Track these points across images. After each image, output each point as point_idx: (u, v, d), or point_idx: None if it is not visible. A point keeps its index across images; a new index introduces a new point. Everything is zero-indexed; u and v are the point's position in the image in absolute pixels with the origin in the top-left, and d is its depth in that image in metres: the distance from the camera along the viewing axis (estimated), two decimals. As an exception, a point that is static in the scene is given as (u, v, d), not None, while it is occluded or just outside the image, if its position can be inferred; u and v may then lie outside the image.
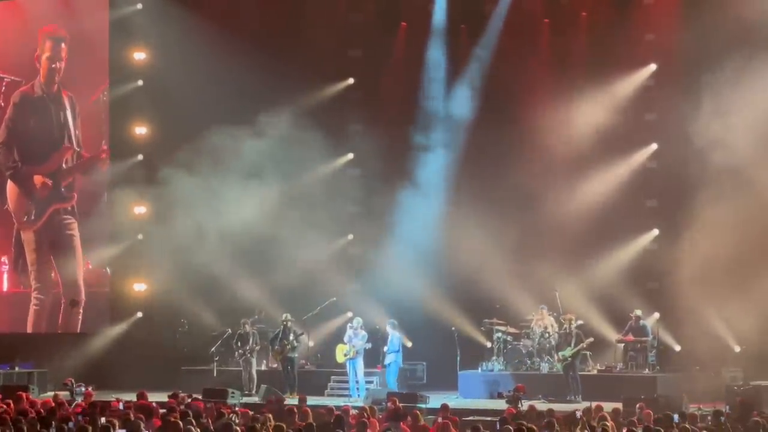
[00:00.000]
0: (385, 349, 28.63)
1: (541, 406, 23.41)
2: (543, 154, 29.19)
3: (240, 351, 29.35)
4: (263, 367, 30.39)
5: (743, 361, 27.46)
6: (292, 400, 24.64)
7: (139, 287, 33.42)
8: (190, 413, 18.80)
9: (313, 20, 31.04)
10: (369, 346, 28.62)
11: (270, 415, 18.83)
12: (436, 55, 31.17)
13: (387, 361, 28.56)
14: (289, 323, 28.90)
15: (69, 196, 34.72)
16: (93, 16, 33.80)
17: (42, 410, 20.09)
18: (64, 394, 24.99)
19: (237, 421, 18.85)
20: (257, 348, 29.48)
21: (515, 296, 29.31)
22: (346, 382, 28.88)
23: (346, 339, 28.74)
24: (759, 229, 26.79)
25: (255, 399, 27.27)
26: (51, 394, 25.99)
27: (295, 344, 28.73)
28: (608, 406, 20.75)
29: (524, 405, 22.35)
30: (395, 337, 28.54)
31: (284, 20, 31.46)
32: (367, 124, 31.37)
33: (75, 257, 34.36)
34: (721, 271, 26.49)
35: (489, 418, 21.56)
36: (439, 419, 19.44)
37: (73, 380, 26.38)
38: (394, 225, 30.56)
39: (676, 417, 18.40)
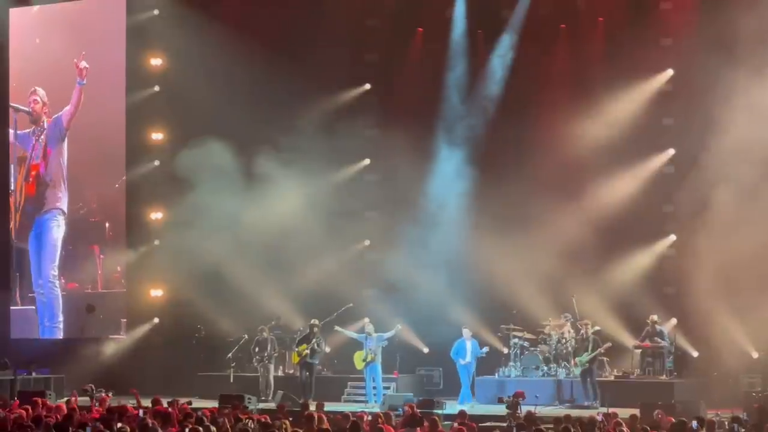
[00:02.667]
0: (469, 355, 28.43)
1: (558, 411, 23.42)
2: (560, 159, 29.11)
3: (258, 357, 29.38)
4: (280, 373, 30.40)
5: (761, 367, 27.36)
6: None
7: (156, 293, 33.45)
8: (206, 419, 18.79)
9: (329, 25, 31.00)
10: (385, 343, 28.58)
11: (286, 421, 18.79)
12: (453, 60, 31.15)
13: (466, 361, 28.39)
14: (316, 329, 28.85)
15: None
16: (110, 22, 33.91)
17: (59, 416, 20.07)
18: (83, 400, 25.00)
19: (253, 426, 18.79)
20: (275, 354, 29.51)
21: (532, 302, 29.25)
22: (363, 387, 28.85)
23: (355, 335, 28.82)
24: (777, 234, 26.73)
25: (272, 405, 27.24)
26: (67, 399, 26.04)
27: (317, 349, 28.72)
28: (625, 412, 20.68)
29: (522, 411, 22.30)
30: (474, 342, 28.44)
31: (300, 26, 31.47)
32: (384, 130, 31.30)
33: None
34: (739, 276, 26.42)
35: (506, 424, 21.56)
36: (455, 425, 19.38)
37: (93, 386, 26.38)
38: (411, 231, 30.51)
39: (694, 423, 18.29)
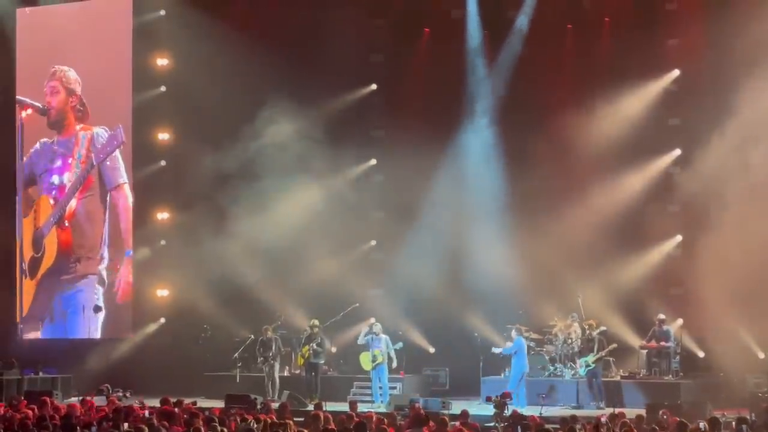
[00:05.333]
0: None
1: (564, 412, 23.40)
2: (566, 159, 29.09)
3: (262, 357, 29.38)
4: (286, 373, 30.40)
5: (768, 367, 27.38)
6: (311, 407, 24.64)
7: (162, 293, 33.47)
8: (216, 419, 18.80)
9: (335, 26, 31.00)
10: (400, 345, 28.55)
11: (291, 421, 18.78)
12: (459, 60, 31.12)
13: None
14: (316, 329, 28.89)
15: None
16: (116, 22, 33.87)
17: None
18: (98, 399, 25.00)
19: (256, 426, 18.79)
20: (280, 354, 29.49)
21: (538, 302, 29.24)
22: (369, 387, 28.83)
23: (361, 341, 28.74)
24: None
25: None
26: (74, 399, 26.05)
27: (318, 349, 28.74)
28: (631, 413, 20.65)
29: (509, 410, 22.35)
30: (516, 341, 27.85)
31: (306, 26, 31.47)
32: (390, 130, 31.37)
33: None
34: (745, 276, 26.35)
35: (493, 423, 21.73)
36: (457, 425, 19.38)
37: (109, 386, 26.37)
38: (417, 231, 30.51)
39: (701, 424, 18.28)
